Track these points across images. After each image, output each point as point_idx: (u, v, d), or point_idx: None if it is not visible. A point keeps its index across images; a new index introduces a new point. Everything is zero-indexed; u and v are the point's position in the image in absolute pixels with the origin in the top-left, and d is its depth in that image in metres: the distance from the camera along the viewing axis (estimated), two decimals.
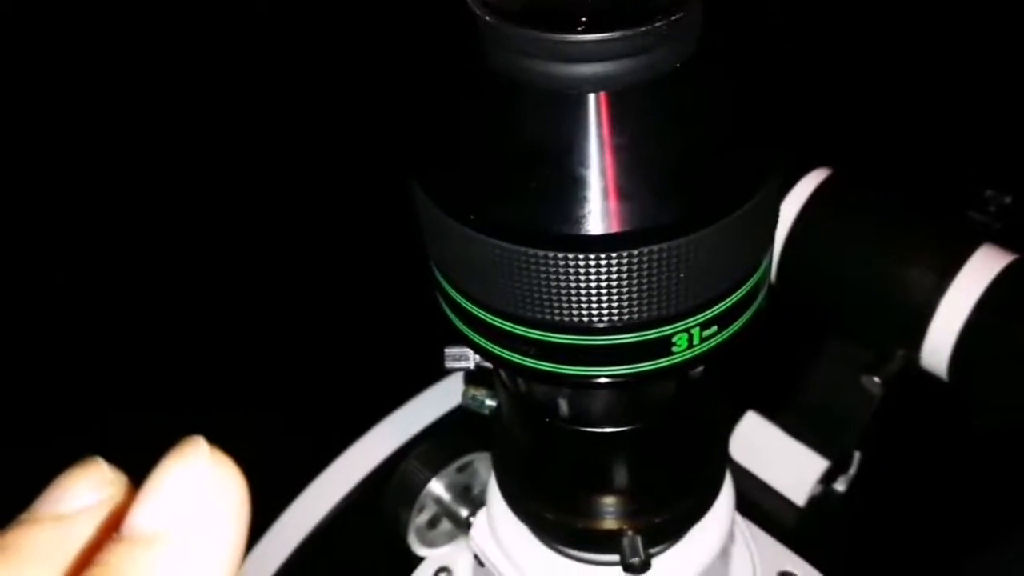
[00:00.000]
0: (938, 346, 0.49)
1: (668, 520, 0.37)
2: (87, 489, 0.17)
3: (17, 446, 0.68)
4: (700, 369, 0.31)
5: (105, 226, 0.91)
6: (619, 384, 0.28)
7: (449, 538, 0.54)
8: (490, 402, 0.41)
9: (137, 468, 0.17)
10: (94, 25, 1.06)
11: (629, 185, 0.24)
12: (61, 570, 0.15)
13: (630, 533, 0.36)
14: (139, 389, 0.74)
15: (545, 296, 0.25)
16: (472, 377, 0.40)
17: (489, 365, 0.31)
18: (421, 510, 0.51)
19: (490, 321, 0.28)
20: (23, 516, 0.16)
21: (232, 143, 0.97)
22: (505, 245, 0.25)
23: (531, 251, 0.24)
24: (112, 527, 0.16)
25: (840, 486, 0.60)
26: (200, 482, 0.16)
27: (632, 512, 0.36)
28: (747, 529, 0.51)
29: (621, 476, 0.36)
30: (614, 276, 0.24)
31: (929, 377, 0.51)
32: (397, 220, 0.34)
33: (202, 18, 1.07)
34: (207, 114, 1.01)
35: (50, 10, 1.08)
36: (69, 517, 0.16)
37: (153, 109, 1.02)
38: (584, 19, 0.23)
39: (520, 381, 0.34)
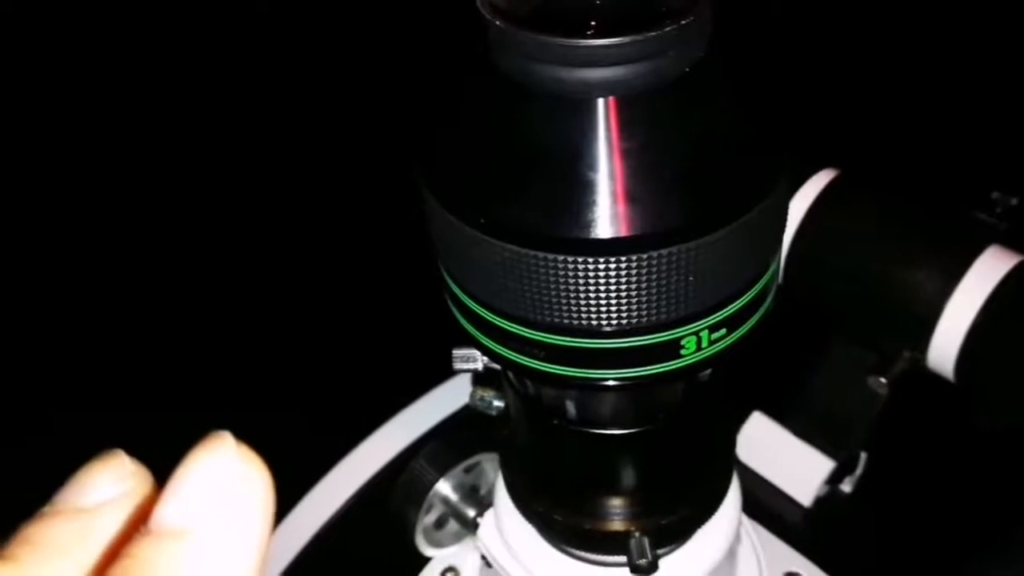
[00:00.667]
0: (945, 347, 0.49)
1: (675, 521, 0.37)
2: (109, 482, 0.16)
3: (27, 446, 0.69)
4: (708, 371, 0.31)
5: (118, 227, 0.92)
6: (627, 387, 0.28)
7: (456, 538, 0.55)
8: (498, 403, 0.41)
9: (145, 464, 0.17)
10: (94, 25, 1.07)
11: (638, 189, 0.24)
12: (87, 563, 0.15)
13: (637, 534, 0.36)
14: (150, 388, 0.74)
15: (554, 299, 0.25)
16: (480, 378, 0.40)
17: (497, 367, 0.32)
18: (428, 510, 0.52)
19: (499, 324, 0.28)
20: (45, 509, 0.16)
21: (240, 143, 0.97)
22: (514, 248, 0.25)
23: (540, 254, 0.25)
24: (138, 521, 0.16)
25: (846, 487, 0.60)
26: (227, 476, 0.16)
27: (639, 513, 0.37)
28: (753, 530, 0.51)
29: (628, 477, 0.36)
30: (623, 280, 0.25)
31: (935, 378, 0.51)
32: (406, 220, 0.35)
33: (202, 18, 1.08)
34: (210, 114, 1.01)
35: (50, 10, 1.08)
36: (92, 510, 0.16)
37: (154, 109, 1.03)
38: (593, 23, 0.23)
39: (528, 383, 0.34)
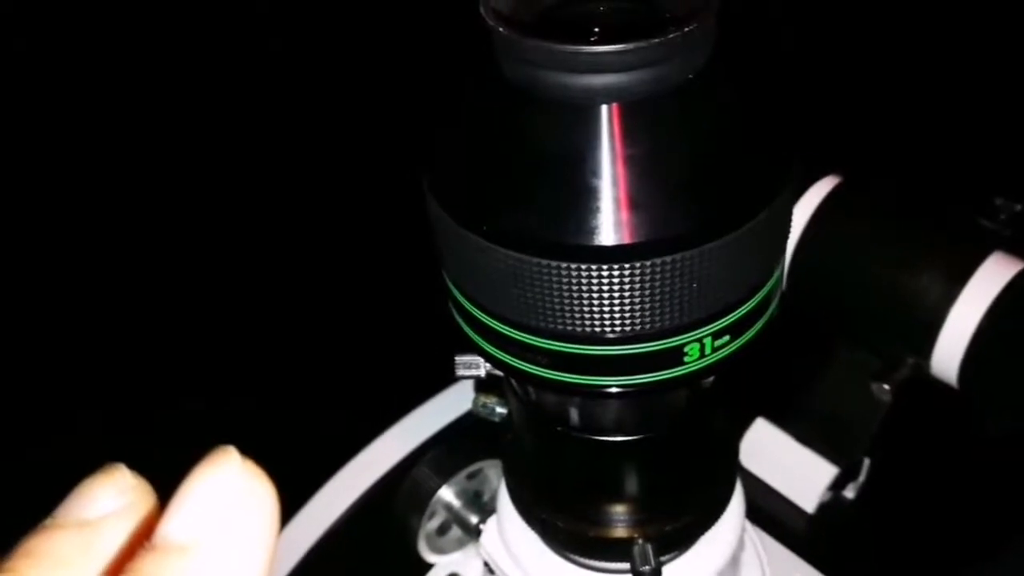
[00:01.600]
0: (948, 354, 0.49)
1: (679, 528, 0.37)
2: (111, 495, 0.16)
3: (39, 446, 0.69)
4: (711, 378, 0.31)
5: (122, 229, 0.92)
6: (630, 394, 0.28)
7: (459, 545, 0.55)
8: (501, 409, 0.41)
9: (149, 469, 0.17)
10: (94, 25, 1.07)
11: (642, 196, 0.24)
12: None
13: (641, 541, 0.36)
14: (153, 392, 0.74)
15: (557, 306, 0.25)
16: (483, 384, 0.40)
17: (500, 373, 0.32)
18: (431, 517, 0.52)
19: (501, 330, 0.28)
20: (46, 522, 0.16)
21: (244, 147, 0.97)
22: (518, 255, 0.25)
23: (544, 261, 0.24)
24: (141, 536, 0.16)
25: (849, 493, 0.60)
26: (232, 492, 0.16)
27: (643, 520, 0.36)
28: (756, 536, 0.51)
29: (632, 484, 0.36)
30: (627, 287, 0.24)
31: (939, 384, 0.51)
32: (409, 224, 0.35)
33: (202, 18, 1.08)
34: (212, 116, 1.01)
35: (50, 10, 1.08)
36: (94, 523, 0.16)
37: (155, 109, 1.03)
38: (597, 31, 0.23)
39: (531, 389, 0.34)
